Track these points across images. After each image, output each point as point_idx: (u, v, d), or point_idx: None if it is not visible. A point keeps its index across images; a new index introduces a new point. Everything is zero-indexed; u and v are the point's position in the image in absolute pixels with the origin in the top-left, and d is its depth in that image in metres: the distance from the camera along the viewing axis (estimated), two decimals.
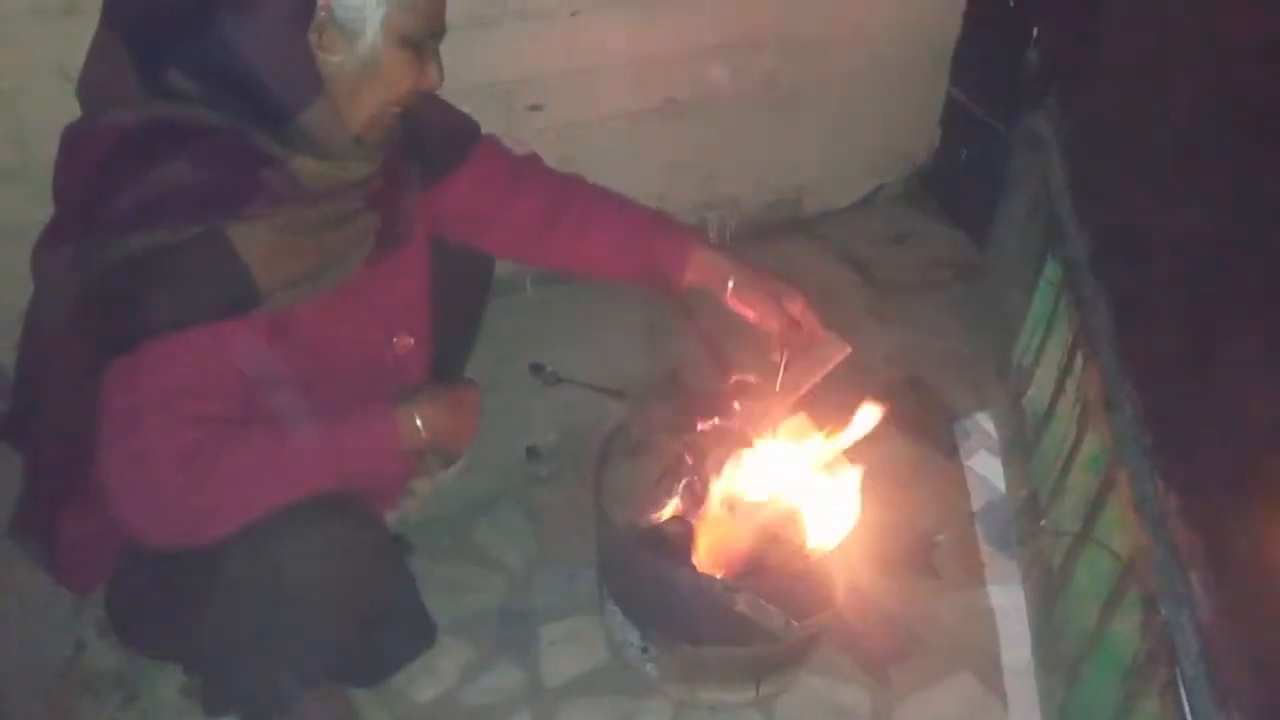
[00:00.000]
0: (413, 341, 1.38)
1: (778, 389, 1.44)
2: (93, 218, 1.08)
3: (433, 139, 1.39)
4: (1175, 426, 1.26)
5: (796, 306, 1.44)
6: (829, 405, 1.45)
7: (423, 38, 1.17)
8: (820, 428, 1.45)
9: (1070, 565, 1.49)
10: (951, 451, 1.92)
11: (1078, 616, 1.44)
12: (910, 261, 2.39)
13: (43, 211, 1.19)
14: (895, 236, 2.46)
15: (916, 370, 2.08)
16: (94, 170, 1.10)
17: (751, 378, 1.49)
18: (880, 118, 2.42)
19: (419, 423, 1.24)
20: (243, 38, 1.06)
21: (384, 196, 1.25)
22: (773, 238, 2.40)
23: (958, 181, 2.46)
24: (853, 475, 1.41)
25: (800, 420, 1.48)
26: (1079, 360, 1.58)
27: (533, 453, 1.88)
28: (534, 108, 2.03)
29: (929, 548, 1.74)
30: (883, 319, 2.22)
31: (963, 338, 2.16)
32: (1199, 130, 1.37)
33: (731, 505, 1.42)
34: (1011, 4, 2.20)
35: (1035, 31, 2.07)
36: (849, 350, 1.42)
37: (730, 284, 1.46)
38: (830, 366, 1.43)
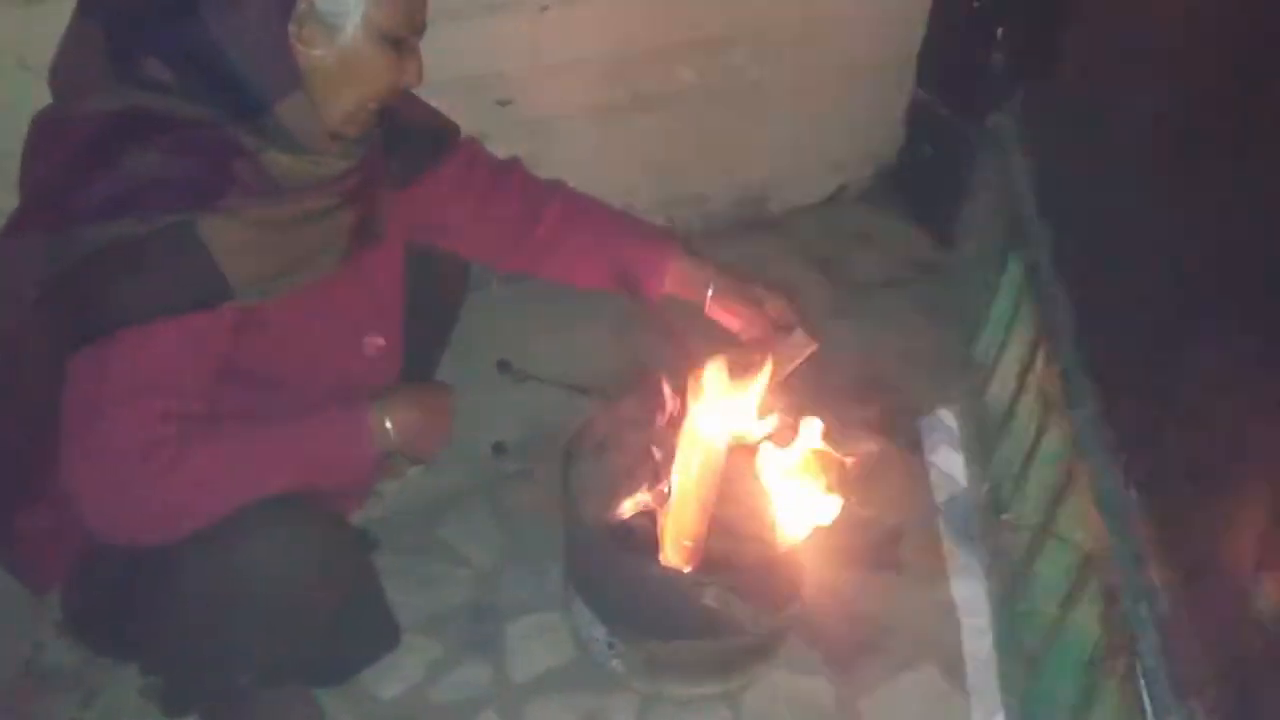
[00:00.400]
0: (383, 342, 1.36)
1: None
2: (62, 208, 1.06)
3: (411, 137, 1.37)
4: (1135, 423, 1.28)
5: (776, 308, 1.44)
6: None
7: (403, 34, 1.16)
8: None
9: (1032, 558, 1.51)
10: (915, 446, 1.94)
11: (1039, 609, 1.46)
12: (875, 259, 2.41)
13: (3, 202, 1.16)
14: (860, 235, 2.48)
15: (880, 366, 2.09)
16: (65, 160, 1.08)
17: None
18: (846, 116, 2.43)
19: (389, 425, 1.22)
20: (222, 28, 1.06)
21: (361, 194, 1.23)
22: (738, 235, 2.40)
23: (923, 180, 2.48)
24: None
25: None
26: (1040, 357, 1.60)
27: (500, 448, 1.87)
28: (502, 103, 2.02)
29: (893, 542, 1.75)
30: (847, 316, 2.23)
31: (926, 335, 2.18)
32: (1162, 131, 1.40)
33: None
34: (976, 5, 2.22)
35: (1000, 32, 2.09)
36: (815, 346, 1.43)
37: (710, 293, 1.46)
38: (796, 362, 1.43)
